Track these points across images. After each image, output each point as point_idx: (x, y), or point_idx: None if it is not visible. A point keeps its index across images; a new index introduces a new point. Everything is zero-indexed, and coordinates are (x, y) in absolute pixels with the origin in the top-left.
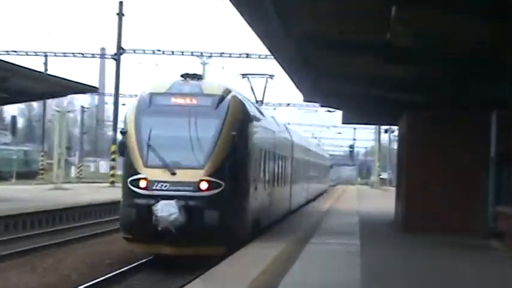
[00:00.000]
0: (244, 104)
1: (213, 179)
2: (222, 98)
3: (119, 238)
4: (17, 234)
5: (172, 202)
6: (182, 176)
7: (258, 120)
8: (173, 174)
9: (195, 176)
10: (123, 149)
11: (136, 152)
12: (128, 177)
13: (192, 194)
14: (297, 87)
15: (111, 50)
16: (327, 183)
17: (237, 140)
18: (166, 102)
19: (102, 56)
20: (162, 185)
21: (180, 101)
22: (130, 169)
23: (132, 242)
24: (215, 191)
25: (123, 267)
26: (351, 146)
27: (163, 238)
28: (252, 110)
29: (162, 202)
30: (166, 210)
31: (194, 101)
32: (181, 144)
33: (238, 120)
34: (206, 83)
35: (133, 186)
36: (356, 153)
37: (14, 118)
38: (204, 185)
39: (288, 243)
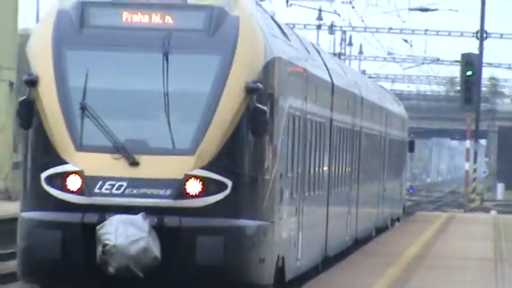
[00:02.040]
0: (267, 25)
1: (212, 175)
2: (223, 13)
3: None
4: None
5: (137, 218)
6: (152, 168)
7: (298, 58)
8: (134, 164)
9: (178, 168)
10: (29, 115)
11: (60, 120)
12: (40, 170)
13: (172, 202)
14: None
15: None
16: (397, 198)
17: (257, 98)
18: (115, 22)
19: None
20: (113, 186)
21: (143, 18)
22: (46, 154)
23: None
24: (216, 198)
25: None
26: (469, 67)
27: None
28: (283, 38)
29: (116, 218)
30: (125, 235)
31: (170, 20)
32: (149, 106)
33: (258, 60)
34: None
35: (53, 187)
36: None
37: None
38: (195, 186)
39: None
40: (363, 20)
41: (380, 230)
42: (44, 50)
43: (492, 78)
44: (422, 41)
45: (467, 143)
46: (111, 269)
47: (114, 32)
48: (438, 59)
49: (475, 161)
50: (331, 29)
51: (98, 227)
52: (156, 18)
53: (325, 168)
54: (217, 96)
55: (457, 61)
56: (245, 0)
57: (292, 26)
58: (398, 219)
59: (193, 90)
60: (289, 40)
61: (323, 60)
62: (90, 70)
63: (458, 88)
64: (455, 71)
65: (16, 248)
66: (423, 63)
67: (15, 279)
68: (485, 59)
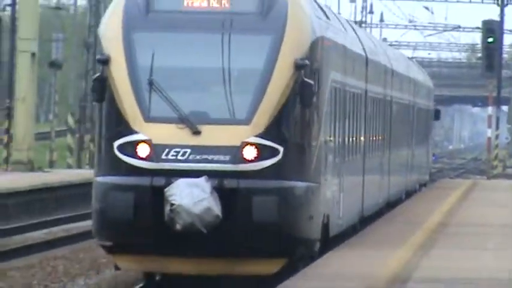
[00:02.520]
0: (311, 8)
1: (266, 142)
2: None
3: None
4: None
5: (201, 181)
6: (212, 136)
7: (337, 36)
8: (196, 133)
9: (236, 136)
10: (102, 90)
11: (130, 94)
12: (113, 140)
13: (231, 166)
14: None
15: None
16: (425, 164)
17: (305, 73)
18: (177, 6)
19: None
20: (179, 153)
21: (202, 3)
22: (118, 125)
23: (122, 254)
24: (269, 162)
25: None
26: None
27: (182, 246)
28: (325, 19)
29: (182, 181)
30: (190, 196)
31: (225, 4)
32: (210, 81)
33: (305, 37)
34: None
35: (125, 154)
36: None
37: None
38: (250, 152)
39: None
40: None
41: (409, 194)
42: (115, 32)
43: None
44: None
45: (489, 110)
46: (177, 226)
47: (177, 15)
48: (459, 26)
49: (497, 128)
50: None
51: (165, 189)
52: (213, 3)
53: (362, 135)
54: (269, 72)
55: (478, 28)
56: None
57: None
58: (425, 185)
59: (248, 66)
60: (329, 19)
61: (357, 36)
62: (156, 50)
63: (479, 55)
64: (477, 38)
65: (91, 208)
66: (444, 30)
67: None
68: (506, 26)
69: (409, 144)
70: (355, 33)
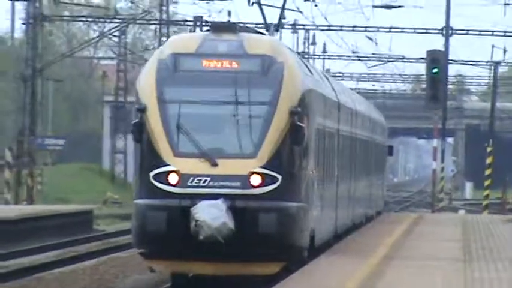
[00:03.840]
0: (300, 66)
1: (268, 171)
2: (272, 60)
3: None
4: None
5: (218, 202)
6: (226, 167)
7: (319, 87)
8: (214, 165)
9: (244, 167)
10: (140, 133)
11: (162, 135)
12: (150, 171)
13: (241, 191)
14: None
15: None
16: (380, 195)
17: (297, 118)
18: (197, 67)
19: None
20: (201, 180)
21: (216, 64)
22: (153, 159)
23: (156, 259)
24: (270, 187)
25: None
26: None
27: (204, 252)
28: (310, 74)
29: (204, 203)
30: (210, 213)
31: (235, 65)
32: (224, 124)
33: (297, 90)
34: (249, 38)
35: (159, 181)
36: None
37: None
38: (256, 179)
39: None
40: (326, 18)
41: (368, 218)
42: (150, 87)
43: (459, 76)
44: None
45: (435, 142)
46: (201, 237)
47: (197, 74)
48: (403, 57)
49: (442, 160)
50: (294, 27)
51: (191, 208)
52: (226, 64)
53: (335, 167)
54: (270, 117)
55: (422, 58)
56: (287, 51)
57: (254, 25)
58: (380, 212)
59: (254, 113)
60: (312, 74)
61: (330, 84)
62: (182, 101)
63: (424, 86)
64: (421, 69)
65: (131, 225)
66: (388, 61)
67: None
68: (451, 56)
69: (369, 175)
70: (329, 81)
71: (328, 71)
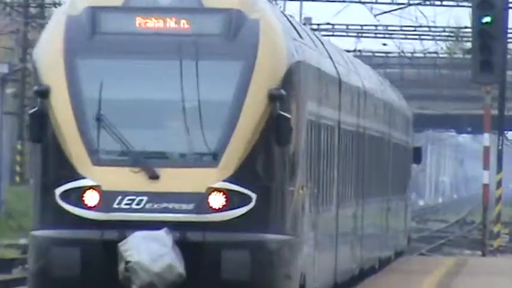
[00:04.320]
0: (285, 27)
1: (236, 187)
2: (242, 16)
3: None
4: None
5: (160, 234)
6: (173, 181)
7: (312, 58)
8: (154, 178)
9: (201, 181)
10: (40, 127)
11: (74, 133)
12: (54, 186)
13: (195, 217)
14: None
15: None
16: (401, 227)
17: (280, 105)
18: (128, 28)
19: None
20: (133, 201)
21: (157, 23)
22: (61, 169)
23: None
24: (240, 211)
25: None
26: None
27: None
28: (299, 38)
29: (138, 235)
30: (148, 251)
31: (186, 24)
32: (168, 116)
33: (279, 63)
34: None
35: (69, 203)
36: None
37: None
38: (218, 199)
39: None
40: None
41: (383, 263)
42: (55, 59)
43: None
44: None
45: (486, 139)
46: (134, 287)
47: (128, 38)
48: None
49: (499, 169)
50: None
51: (119, 244)
52: (171, 23)
53: (335, 180)
54: (239, 104)
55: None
56: (263, 2)
57: None
58: (401, 253)
59: (214, 98)
60: (302, 38)
61: (327, 51)
62: (105, 80)
63: (468, 46)
64: (464, 17)
65: (27, 269)
66: (409, 4)
67: None
68: None
69: (385, 195)
70: (324, 47)
71: (308, 20)
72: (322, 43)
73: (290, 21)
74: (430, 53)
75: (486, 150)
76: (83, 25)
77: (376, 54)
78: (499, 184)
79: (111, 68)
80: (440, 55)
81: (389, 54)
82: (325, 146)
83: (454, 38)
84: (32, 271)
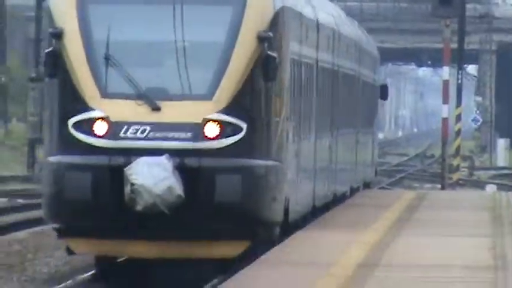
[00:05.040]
0: None
1: (229, 118)
2: None
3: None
4: None
5: (162, 160)
6: (173, 113)
7: (294, 2)
8: (156, 109)
9: (197, 112)
10: (55, 65)
11: (85, 69)
12: (68, 117)
13: (193, 144)
14: None
15: None
16: (369, 160)
17: (268, 46)
18: None
19: None
20: (138, 130)
21: None
22: (73, 102)
23: (77, 237)
24: (232, 140)
25: None
26: None
27: (143, 228)
28: None
29: (142, 160)
30: (151, 175)
31: None
32: (168, 55)
33: (267, 7)
34: None
35: (81, 132)
36: None
37: None
38: (212, 129)
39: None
40: None
41: (353, 191)
42: (68, 5)
43: None
44: None
45: (445, 72)
46: (139, 207)
47: None
48: None
49: (459, 103)
50: None
51: (125, 168)
52: None
53: (313, 113)
54: (231, 45)
55: None
56: None
57: None
58: (369, 185)
59: (209, 39)
60: None
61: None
62: (112, 23)
63: None
64: None
65: (42, 191)
66: None
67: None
68: None
69: (355, 128)
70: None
71: None
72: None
73: None
74: None
75: (445, 84)
76: None
77: None
78: (458, 118)
79: (117, 13)
80: None
81: None
82: (305, 82)
83: None
84: (46, 193)
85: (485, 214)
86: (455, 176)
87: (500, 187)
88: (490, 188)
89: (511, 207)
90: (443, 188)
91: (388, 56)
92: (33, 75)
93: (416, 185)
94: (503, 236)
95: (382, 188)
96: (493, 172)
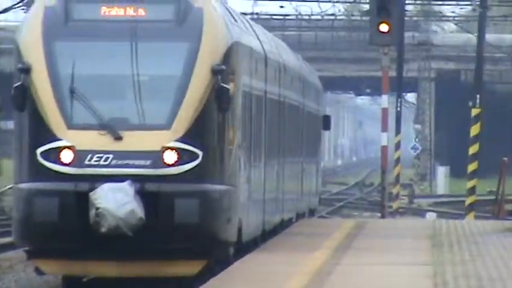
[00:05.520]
0: (224, 13)
1: (185, 146)
2: (188, 4)
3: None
4: None
5: (124, 185)
6: (133, 141)
7: (245, 39)
8: (118, 139)
9: (156, 141)
10: (23, 98)
11: (52, 102)
12: (36, 147)
13: (153, 171)
14: None
15: None
16: (313, 187)
17: (221, 78)
18: (94, 15)
19: None
20: (101, 158)
21: (118, 11)
22: (41, 132)
23: (45, 258)
24: (189, 166)
25: None
26: None
27: (107, 248)
28: (234, 22)
29: (106, 186)
30: (114, 199)
31: (142, 12)
32: (129, 88)
33: (220, 43)
34: None
35: (48, 160)
36: None
37: None
38: (170, 156)
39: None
40: None
41: (299, 216)
42: (35, 41)
43: None
44: None
45: (384, 100)
46: (103, 229)
47: (95, 24)
48: None
49: (398, 131)
50: None
51: (90, 193)
52: (130, 11)
53: (263, 141)
54: (187, 77)
55: None
56: None
57: None
58: (313, 212)
59: (166, 73)
60: (236, 22)
61: (254, 32)
62: (76, 59)
63: (366, 7)
64: None
65: (12, 216)
66: None
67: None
68: None
69: (300, 157)
70: (251, 27)
71: None
72: (250, 25)
73: (226, 8)
74: (327, 15)
75: (384, 112)
76: (57, 14)
77: (274, 17)
78: (397, 146)
79: (81, 48)
80: (338, 17)
81: (286, 17)
82: (255, 112)
83: (351, 0)
84: (16, 218)
85: (425, 242)
86: (395, 205)
87: (440, 215)
88: (430, 216)
89: (450, 235)
90: (383, 216)
91: (327, 84)
92: None
93: (355, 213)
94: (444, 264)
95: (322, 216)
96: (433, 200)
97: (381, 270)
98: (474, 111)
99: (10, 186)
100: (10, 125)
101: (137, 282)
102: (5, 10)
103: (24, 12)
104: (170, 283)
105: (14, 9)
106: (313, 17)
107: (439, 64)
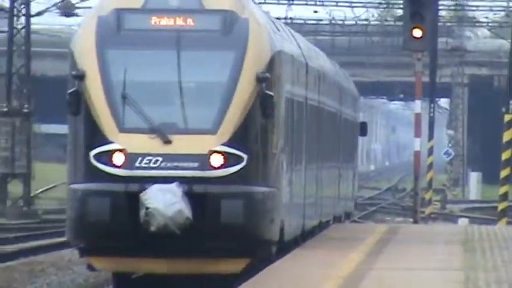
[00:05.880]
0: (268, 24)
1: (231, 150)
2: (235, 15)
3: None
4: None
5: (172, 186)
6: (182, 145)
7: (288, 47)
8: (167, 142)
9: (203, 144)
10: (77, 104)
11: (105, 107)
12: (89, 149)
13: (200, 173)
14: None
15: None
16: (349, 192)
17: (266, 86)
18: (145, 25)
19: None
20: (151, 161)
21: (168, 21)
22: (94, 136)
23: (97, 255)
24: (234, 169)
25: None
26: None
27: (156, 246)
28: (278, 32)
29: (155, 187)
30: (163, 200)
31: (191, 22)
32: (178, 94)
33: (265, 52)
34: None
35: (101, 162)
36: None
37: None
38: (217, 160)
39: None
40: None
41: (336, 219)
42: (88, 49)
43: None
44: None
45: (417, 105)
46: (152, 228)
47: (145, 33)
48: None
49: (431, 136)
50: None
51: (141, 194)
52: (179, 21)
53: (303, 145)
54: (233, 85)
55: None
56: (251, 5)
57: None
58: (349, 216)
59: (214, 80)
60: (279, 31)
61: (296, 40)
62: (128, 66)
63: (399, 13)
64: None
65: (66, 215)
66: None
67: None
68: None
69: (338, 162)
70: (293, 36)
71: None
72: (291, 33)
73: (269, 17)
74: (361, 20)
75: (417, 117)
76: (110, 23)
77: (307, 21)
78: (430, 151)
79: (133, 56)
80: (372, 22)
81: (320, 22)
82: (297, 118)
83: (385, 5)
84: (70, 217)
85: (457, 247)
86: (427, 210)
87: (472, 220)
88: (462, 222)
89: (483, 241)
90: (415, 221)
91: (360, 89)
92: (5, 109)
93: (388, 218)
94: (476, 269)
95: (354, 221)
96: (465, 205)
97: (413, 275)
98: (507, 117)
99: (48, 187)
100: (44, 128)
101: (181, 279)
102: (39, 13)
103: (59, 15)
104: (212, 280)
105: (49, 12)
106: (346, 22)
107: (472, 70)
